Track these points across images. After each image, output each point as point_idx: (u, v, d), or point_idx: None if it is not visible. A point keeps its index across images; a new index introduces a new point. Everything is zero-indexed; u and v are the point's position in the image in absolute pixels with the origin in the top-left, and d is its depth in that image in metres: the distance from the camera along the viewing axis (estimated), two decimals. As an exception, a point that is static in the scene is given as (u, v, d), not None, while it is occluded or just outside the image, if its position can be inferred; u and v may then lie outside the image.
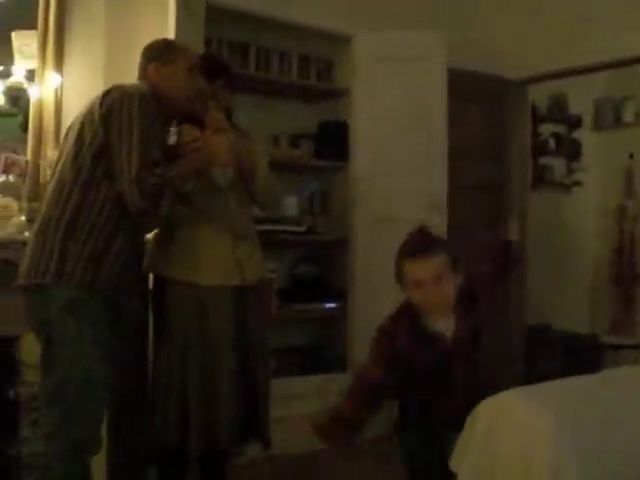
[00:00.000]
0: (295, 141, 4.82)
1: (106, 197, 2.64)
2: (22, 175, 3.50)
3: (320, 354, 4.83)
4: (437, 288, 2.63)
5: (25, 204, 3.39)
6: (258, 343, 3.14)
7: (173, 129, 3.09)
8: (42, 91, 3.65)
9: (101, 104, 2.65)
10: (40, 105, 3.64)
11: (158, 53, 2.88)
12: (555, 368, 5.46)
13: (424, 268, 2.64)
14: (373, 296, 4.62)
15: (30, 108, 3.63)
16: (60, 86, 3.69)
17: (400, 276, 2.71)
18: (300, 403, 4.39)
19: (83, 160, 2.64)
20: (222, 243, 3.05)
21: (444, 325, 2.70)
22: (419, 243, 2.72)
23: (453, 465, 2.37)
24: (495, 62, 5.33)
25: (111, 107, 2.62)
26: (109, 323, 2.70)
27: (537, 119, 6.36)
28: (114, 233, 2.67)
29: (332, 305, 4.73)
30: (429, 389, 2.66)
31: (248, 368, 3.09)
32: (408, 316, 2.70)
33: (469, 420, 2.35)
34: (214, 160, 2.91)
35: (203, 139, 2.91)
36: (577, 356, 5.69)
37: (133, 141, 2.58)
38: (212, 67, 3.13)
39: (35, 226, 2.75)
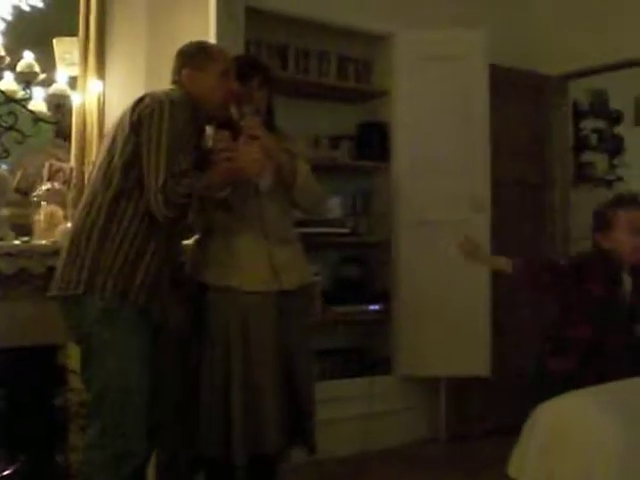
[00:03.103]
0: (335, 142, 4.79)
1: (137, 207, 2.63)
2: (67, 182, 3.51)
3: (364, 356, 4.80)
4: None
5: (70, 211, 3.38)
6: (300, 348, 3.11)
7: (209, 133, 3.07)
8: (84, 98, 3.65)
9: (132, 112, 2.64)
10: (83, 112, 3.65)
11: (191, 58, 2.85)
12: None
13: None
14: (417, 298, 4.61)
15: (73, 115, 3.64)
16: (102, 93, 3.70)
17: (608, 226, 3.23)
18: (345, 406, 4.38)
19: (115, 170, 2.63)
20: (258, 250, 3.03)
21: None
22: (635, 199, 3.24)
23: (512, 472, 2.32)
24: (535, 58, 5.27)
25: (141, 114, 2.60)
26: (144, 333, 2.69)
27: (578, 115, 6.28)
28: (146, 243, 2.65)
29: (376, 307, 4.69)
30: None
31: (291, 373, 3.07)
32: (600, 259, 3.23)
33: (528, 424, 2.29)
34: (245, 172, 2.81)
35: (236, 149, 2.84)
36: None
37: (161, 149, 2.55)
38: (245, 67, 3.08)
39: (67, 237, 2.75)
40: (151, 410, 2.70)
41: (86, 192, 2.74)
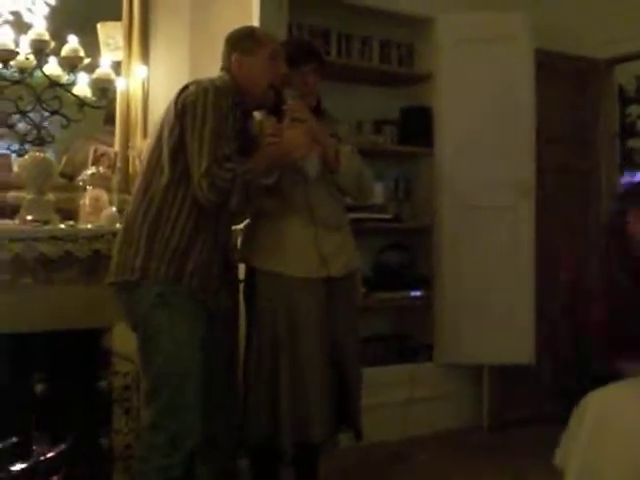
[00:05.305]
0: (378, 127, 4.76)
1: (186, 195, 2.66)
2: (112, 167, 3.53)
3: (405, 343, 4.77)
4: None
5: (116, 195, 3.41)
6: (347, 333, 3.12)
7: (257, 119, 3.07)
8: (129, 83, 3.67)
9: (177, 101, 2.68)
10: (127, 97, 3.68)
11: (240, 43, 2.86)
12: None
13: None
14: (459, 284, 4.57)
15: (117, 100, 3.66)
16: (146, 77, 3.71)
17: None
18: (387, 392, 4.35)
19: (164, 158, 2.67)
20: (306, 236, 3.03)
21: None
22: None
23: (558, 461, 2.29)
24: (581, 42, 5.17)
25: (185, 102, 2.64)
26: (200, 317, 2.73)
27: (624, 100, 6.16)
28: (196, 229, 2.69)
29: (417, 293, 4.67)
30: None
31: (338, 359, 3.07)
32: None
33: (576, 414, 2.26)
34: (290, 154, 2.83)
35: (280, 133, 2.85)
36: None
37: (205, 135, 2.58)
38: (302, 52, 3.09)
39: (122, 225, 2.81)
40: (207, 393, 2.73)
41: (138, 180, 2.80)
